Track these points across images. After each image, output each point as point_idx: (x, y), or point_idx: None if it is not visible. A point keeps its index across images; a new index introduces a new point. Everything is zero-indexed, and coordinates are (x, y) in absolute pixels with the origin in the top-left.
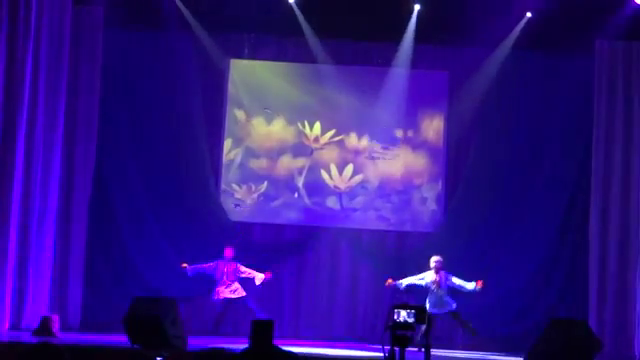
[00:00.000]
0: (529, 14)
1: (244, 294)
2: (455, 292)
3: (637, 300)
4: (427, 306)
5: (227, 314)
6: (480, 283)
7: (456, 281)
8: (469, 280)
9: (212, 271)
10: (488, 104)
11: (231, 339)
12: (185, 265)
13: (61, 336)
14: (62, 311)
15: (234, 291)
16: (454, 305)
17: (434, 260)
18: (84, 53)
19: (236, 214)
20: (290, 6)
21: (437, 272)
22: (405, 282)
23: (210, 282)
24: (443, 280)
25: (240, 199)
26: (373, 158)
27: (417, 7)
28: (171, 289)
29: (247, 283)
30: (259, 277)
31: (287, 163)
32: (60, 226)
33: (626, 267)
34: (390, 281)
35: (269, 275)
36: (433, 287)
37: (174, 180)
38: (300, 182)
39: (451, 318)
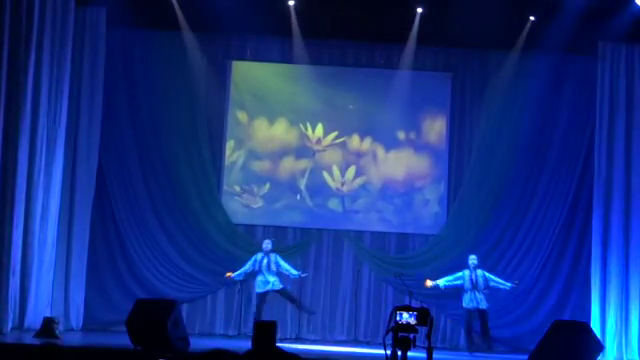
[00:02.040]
0: (532, 17)
1: (281, 286)
2: (491, 289)
3: (639, 302)
4: (463, 303)
5: (264, 308)
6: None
7: (493, 279)
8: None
9: (253, 265)
10: (491, 106)
11: (234, 341)
12: (230, 275)
13: (63, 337)
14: (65, 312)
15: (272, 283)
16: (486, 304)
17: (471, 258)
18: (87, 54)
19: (238, 216)
20: (292, 8)
21: (473, 270)
22: (442, 282)
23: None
24: (480, 278)
25: (242, 201)
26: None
27: (419, 10)
28: (173, 291)
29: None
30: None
31: (289, 165)
32: (63, 227)
33: (628, 269)
34: (429, 282)
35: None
36: (469, 285)
37: (176, 181)
38: (302, 184)
39: (477, 317)
